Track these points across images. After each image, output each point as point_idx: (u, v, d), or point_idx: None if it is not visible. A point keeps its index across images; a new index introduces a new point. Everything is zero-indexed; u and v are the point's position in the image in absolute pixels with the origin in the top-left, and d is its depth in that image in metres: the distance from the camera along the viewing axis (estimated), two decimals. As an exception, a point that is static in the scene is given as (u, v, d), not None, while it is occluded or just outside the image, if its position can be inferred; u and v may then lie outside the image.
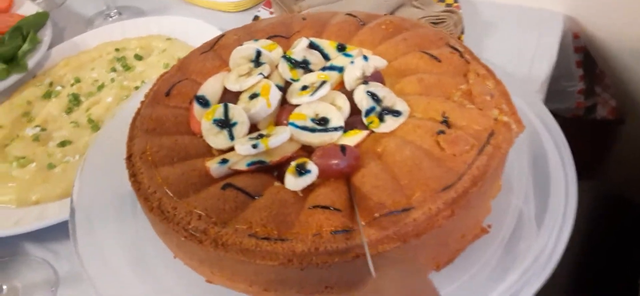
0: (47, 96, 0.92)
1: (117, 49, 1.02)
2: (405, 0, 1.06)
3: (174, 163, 0.50)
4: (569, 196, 0.53)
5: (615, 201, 1.17)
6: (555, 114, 1.27)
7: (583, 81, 1.20)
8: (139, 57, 0.99)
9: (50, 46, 1.03)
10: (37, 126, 0.85)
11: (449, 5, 1.08)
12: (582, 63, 1.19)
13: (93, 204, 0.59)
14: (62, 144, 0.80)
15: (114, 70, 0.96)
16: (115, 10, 1.19)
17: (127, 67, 0.97)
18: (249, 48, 0.59)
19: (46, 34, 1.03)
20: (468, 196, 0.45)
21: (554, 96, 1.12)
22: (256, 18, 1.08)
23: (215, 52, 0.64)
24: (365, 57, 0.56)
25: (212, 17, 1.15)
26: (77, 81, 0.94)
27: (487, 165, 0.48)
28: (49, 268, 0.66)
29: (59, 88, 0.93)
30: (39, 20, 1.05)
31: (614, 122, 1.26)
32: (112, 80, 0.93)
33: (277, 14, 1.10)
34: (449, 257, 0.49)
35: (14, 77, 0.94)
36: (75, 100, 0.89)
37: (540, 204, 0.54)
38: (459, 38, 0.97)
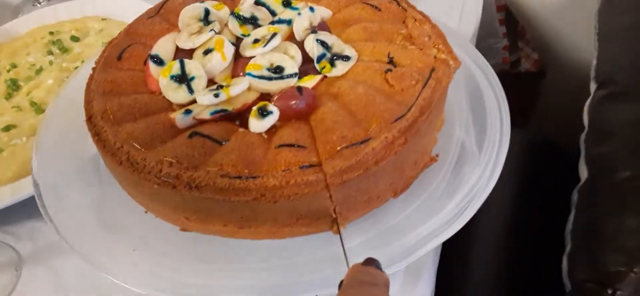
0: (-17, 83, 0.88)
1: (51, 33, 0.99)
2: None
3: (136, 119, 0.51)
4: (503, 124, 0.59)
5: (543, 145, 1.26)
6: (484, 69, 1.34)
7: (506, 37, 1.28)
8: (75, 39, 0.97)
9: (-24, 37, 0.99)
10: (-24, 114, 0.82)
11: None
12: (505, 21, 1.27)
13: (55, 176, 0.59)
14: (7, 128, 0.78)
15: (50, 53, 0.94)
16: (44, -5, 1.15)
17: (64, 49, 0.95)
18: (197, 7, 0.60)
19: (-27, 24, 0.99)
20: (418, 125, 0.50)
21: (481, 53, 1.20)
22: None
23: (162, 16, 0.65)
24: (312, 9, 0.59)
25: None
26: (14, 66, 0.91)
27: (431, 97, 0.52)
28: (11, 250, 0.65)
29: (-6, 75, 0.90)
30: (-37, 10, 1.00)
31: (537, 75, 1.36)
32: (51, 63, 0.91)
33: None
34: (405, 184, 0.53)
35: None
36: (14, 85, 0.87)
37: (479, 134, 0.59)
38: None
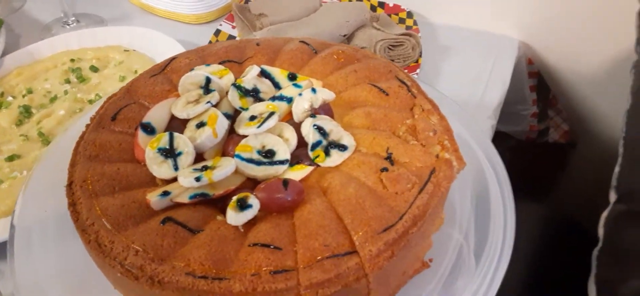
0: (-3, 106, 0.89)
1: (72, 60, 1.00)
2: (366, 21, 1.07)
3: (114, 193, 0.50)
4: (507, 237, 0.54)
5: (565, 223, 1.20)
6: (509, 135, 1.29)
7: (536, 105, 1.23)
8: (94, 69, 0.97)
9: (4, 53, 1.00)
10: (-15, 138, 0.82)
11: (408, 27, 1.10)
12: (536, 88, 1.22)
13: (34, 224, 0.57)
14: (10, 158, 0.78)
15: (68, 81, 0.94)
16: (73, 18, 1.17)
17: (82, 79, 0.95)
18: (198, 75, 0.59)
19: (-1, 42, 1.01)
20: (408, 236, 0.46)
21: (507, 118, 1.15)
22: (218, 32, 1.08)
23: (165, 75, 0.64)
24: (314, 90, 0.57)
25: (173, 28, 1.14)
26: (29, 91, 0.92)
27: (427, 204, 0.49)
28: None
29: (10, 99, 0.91)
30: (-8, 27, 1.02)
31: (566, 146, 1.30)
32: (66, 92, 0.91)
33: (239, 28, 1.10)
34: (390, 294, 0.50)
35: (-36, 87, 0.92)
36: (27, 112, 0.87)
37: (479, 241, 0.55)
38: (417, 61, 0.99)
